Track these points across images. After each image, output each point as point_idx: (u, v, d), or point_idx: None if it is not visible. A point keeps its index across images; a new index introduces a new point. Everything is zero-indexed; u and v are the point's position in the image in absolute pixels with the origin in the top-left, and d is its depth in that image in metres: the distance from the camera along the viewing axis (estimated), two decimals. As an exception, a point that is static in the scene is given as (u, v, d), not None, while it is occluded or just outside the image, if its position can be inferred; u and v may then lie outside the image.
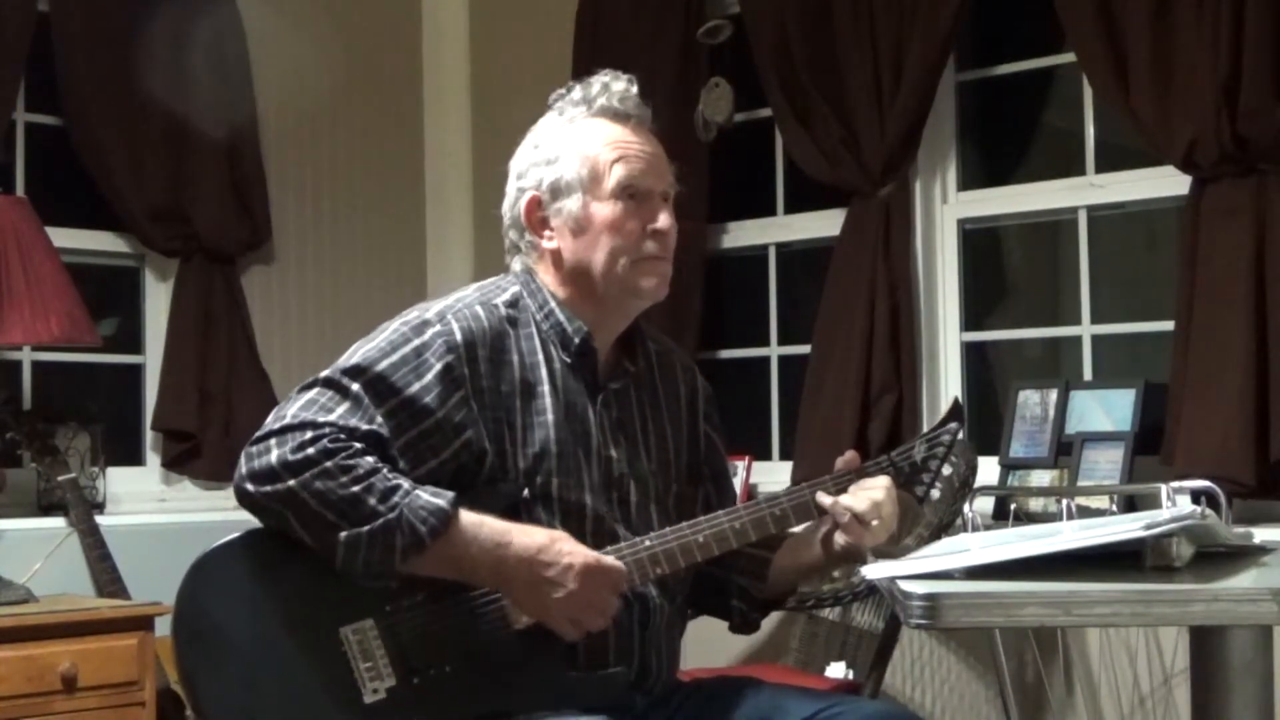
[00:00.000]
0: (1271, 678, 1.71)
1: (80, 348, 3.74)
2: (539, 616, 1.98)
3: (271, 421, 1.98)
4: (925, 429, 3.68)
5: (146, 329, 4.20)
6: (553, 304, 2.13)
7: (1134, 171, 3.60)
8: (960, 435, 2.18)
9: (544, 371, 2.09)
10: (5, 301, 3.40)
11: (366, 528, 1.92)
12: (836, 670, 3.49)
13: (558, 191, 2.12)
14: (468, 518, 1.96)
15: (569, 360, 2.12)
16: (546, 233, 2.14)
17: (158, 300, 4.18)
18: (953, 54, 3.78)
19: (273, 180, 4.32)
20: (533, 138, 2.19)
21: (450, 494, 1.96)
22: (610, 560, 1.99)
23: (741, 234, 4.31)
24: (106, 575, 3.64)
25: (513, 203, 2.17)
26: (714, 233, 4.29)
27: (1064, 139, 3.92)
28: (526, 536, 1.98)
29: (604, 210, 2.11)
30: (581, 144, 2.13)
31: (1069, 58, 3.66)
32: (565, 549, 1.98)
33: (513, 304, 2.12)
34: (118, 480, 3.99)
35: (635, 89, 2.16)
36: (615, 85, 2.15)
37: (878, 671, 3.15)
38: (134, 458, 4.16)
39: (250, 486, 1.95)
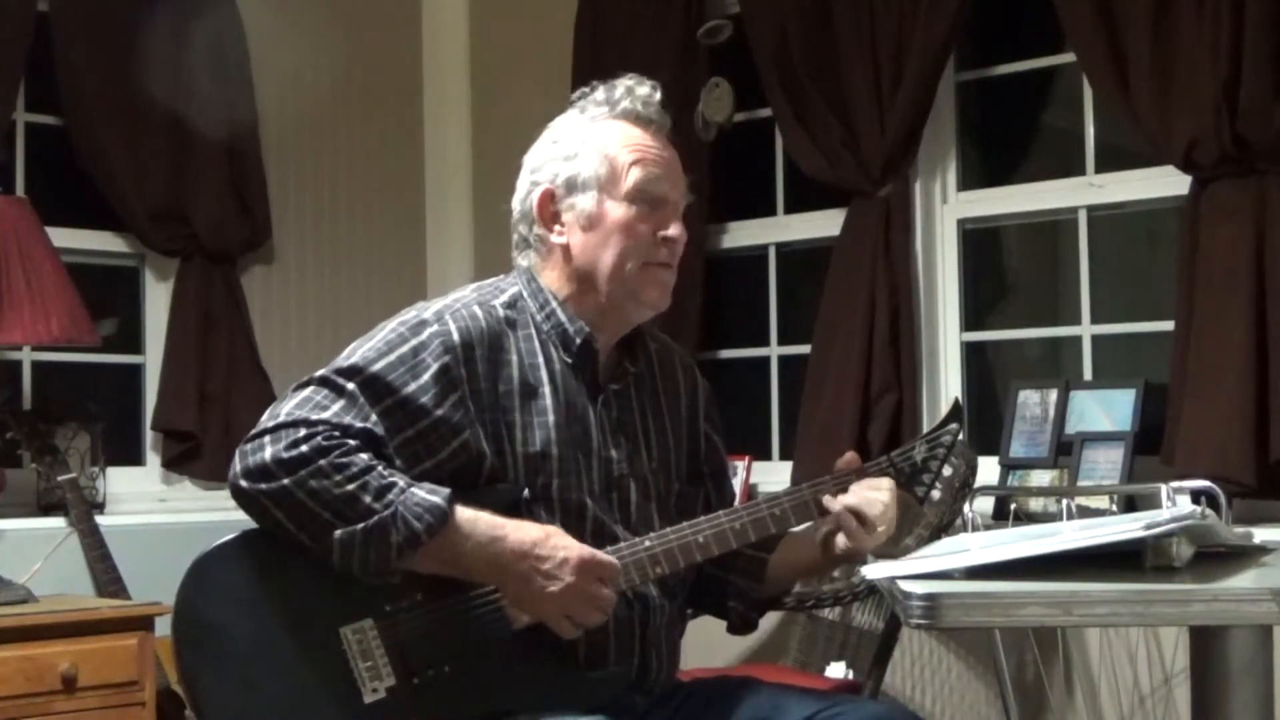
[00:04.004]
0: (1271, 678, 1.71)
1: (80, 348, 3.74)
2: (534, 612, 1.98)
3: (266, 419, 1.99)
4: (925, 429, 3.70)
5: (146, 329, 4.20)
6: (554, 304, 2.13)
7: (1134, 171, 3.60)
8: (960, 436, 2.18)
9: (544, 372, 2.09)
10: (5, 301, 3.40)
11: (361, 525, 1.92)
12: (836, 670, 3.49)
13: (573, 186, 2.12)
14: (463, 514, 1.96)
15: (570, 361, 2.12)
16: (557, 227, 2.14)
17: (158, 300, 4.18)
18: (953, 54, 3.78)
19: (273, 180, 4.32)
20: (551, 133, 2.18)
21: (446, 490, 1.96)
22: (605, 555, 1.99)
23: (741, 234, 4.31)
24: (106, 575, 3.64)
25: (525, 195, 2.17)
26: (714, 233, 4.28)
27: (1064, 139, 3.92)
28: (521, 531, 1.98)
29: (618, 211, 2.11)
30: (601, 142, 2.13)
31: (1069, 58, 3.66)
32: (561, 543, 1.98)
33: (510, 305, 2.12)
34: (118, 480, 3.99)
35: (659, 95, 2.17)
36: (639, 89, 2.16)
37: (878, 671, 3.15)
38: (134, 458, 4.16)
39: (244, 483, 1.96)
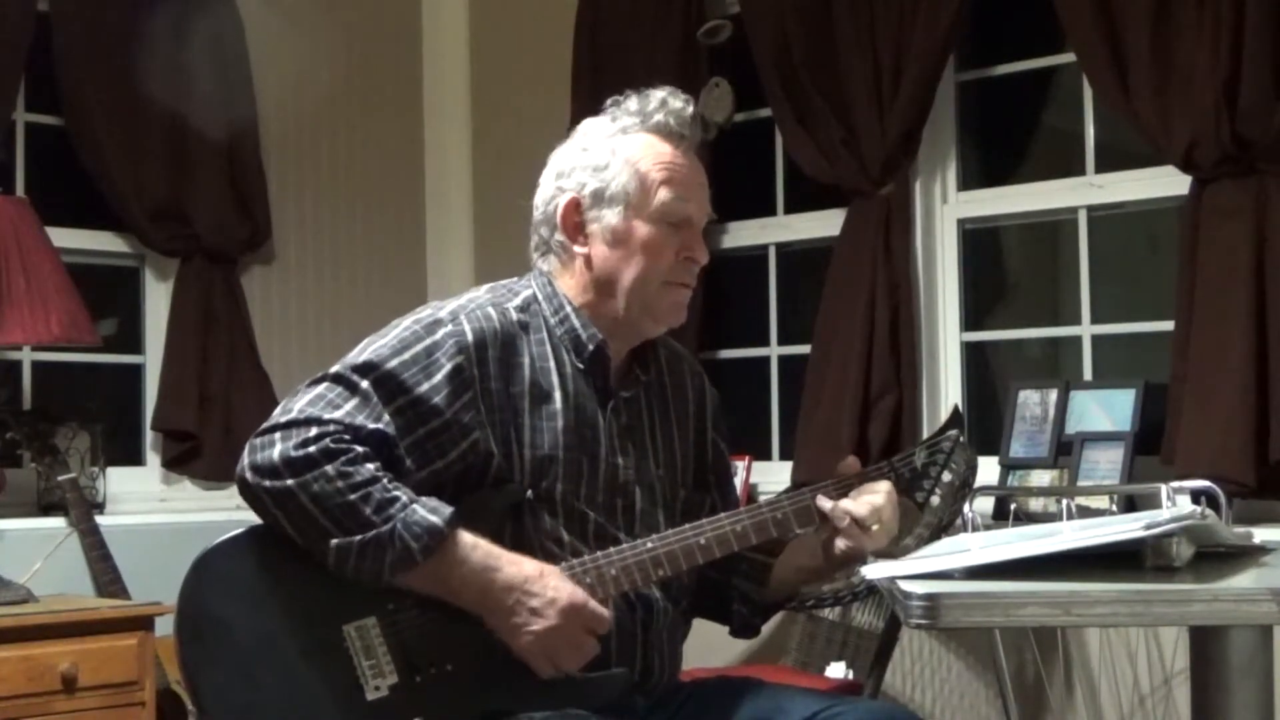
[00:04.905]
0: (1271, 678, 1.71)
1: (80, 348, 3.74)
2: (515, 645, 1.97)
3: (278, 414, 1.99)
4: (925, 429, 3.72)
5: (146, 329, 4.20)
6: (569, 309, 2.12)
7: (1134, 171, 3.60)
8: (961, 442, 2.18)
9: (555, 376, 2.09)
10: (5, 301, 3.40)
11: (358, 538, 1.92)
12: (836, 670, 3.50)
13: (600, 199, 2.11)
14: (463, 539, 1.96)
15: (581, 366, 2.11)
16: (580, 238, 2.13)
17: (158, 300, 4.18)
18: (953, 54, 3.78)
19: (273, 180, 4.32)
20: (580, 138, 2.16)
21: (448, 511, 1.95)
22: (596, 605, 1.99)
23: (741, 234, 4.31)
24: (106, 575, 3.64)
25: (549, 199, 2.15)
26: (714, 233, 4.28)
27: (1064, 139, 3.92)
28: (516, 565, 1.98)
29: (644, 230, 2.09)
30: (632, 156, 2.11)
31: (1069, 58, 3.66)
32: (553, 583, 1.97)
33: (524, 308, 2.12)
34: (118, 480, 3.99)
35: (691, 109, 2.14)
36: (673, 103, 2.13)
37: (878, 671, 3.15)
38: (134, 458, 4.16)
39: (250, 477, 1.96)
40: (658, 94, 2.14)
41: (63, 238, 3.78)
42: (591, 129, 2.16)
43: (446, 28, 4.79)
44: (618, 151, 2.11)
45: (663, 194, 2.10)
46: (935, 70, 3.71)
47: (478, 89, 4.78)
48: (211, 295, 4.13)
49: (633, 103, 2.14)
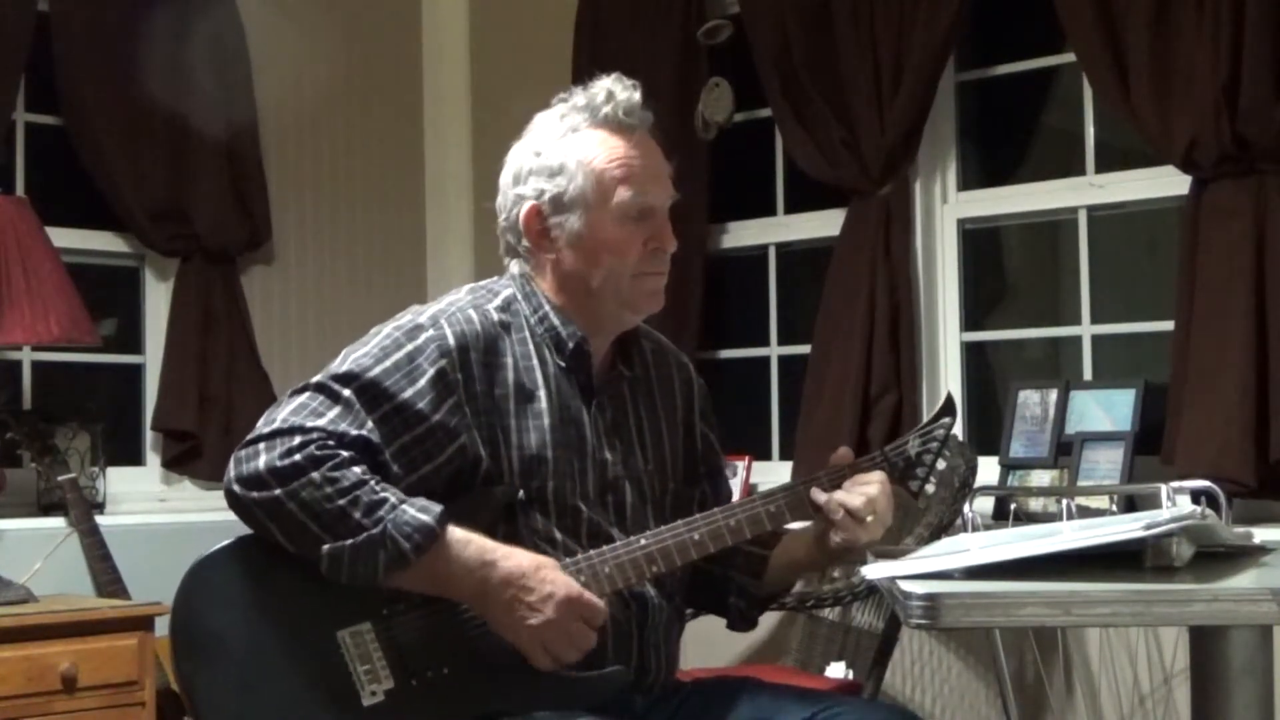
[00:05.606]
0: (1271, 678, 1.71)
1: (80, 348, 3.74)
2: (513, 640, 1.97)
3: (261, 425, 1.98)
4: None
5: (146, 329, 4.20)
6: (548, 308, 2.12)
7: (1134, 171, 3.60)
8: (954, 429, 2.18)
9: (539, 375, 2.09)
10: (5, 301, 3.40)
11: (349, 541, 1.91)
12: (836, 670, 3.49)
13: (560, 205, 2.10)
14: (454, 535, 1.95)
15: (563, 364, 2.11)
16: (546, 243, 2.12)
17: (158, 300, 4.18)
18: (953, 54, 3.78)
19: (273, 180, 4.32)
20: (532, 141, 2.15)
21: (438, 509, 1.94)
22: (591, 596, 1.98)
23: (741, 234, 4.31)
24: (106, 575, 3.64)
25: (510, 206, 2.15)
26: (714, 233, 4.29)
27: (1064, 139, 3.92)
28: (510, 560, 1.97)
29: (607, 231, 2.09)
30: (586, 157, 2.09)
31: (1069, 58, 3.66)
32: (548, 576, 1.97)
33: (504, 308, 2.11)
34: (118, 480, 3.98)
35: (639, 95, 2.13)
36: (620, 94, 2.11)
37: (878, 671, 3.15)
38: (134, 458, 4.16)
39: (238, 490, 1.95)
40: (603, 85, 2.12)
41: (63, 238, 3.78)
42: (542, 129, 2.15)
43: (446, 27, 4.79)
44: (570, 154, 2.10)
45: (621, 192, 2.08)
46: (935, 70, 3.71)
47: (478, 89, 4.78)
48: (211, 295, 4.13)
49: (580, 98, 2.13)
